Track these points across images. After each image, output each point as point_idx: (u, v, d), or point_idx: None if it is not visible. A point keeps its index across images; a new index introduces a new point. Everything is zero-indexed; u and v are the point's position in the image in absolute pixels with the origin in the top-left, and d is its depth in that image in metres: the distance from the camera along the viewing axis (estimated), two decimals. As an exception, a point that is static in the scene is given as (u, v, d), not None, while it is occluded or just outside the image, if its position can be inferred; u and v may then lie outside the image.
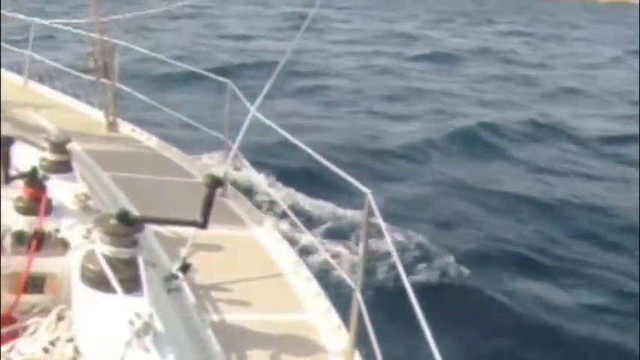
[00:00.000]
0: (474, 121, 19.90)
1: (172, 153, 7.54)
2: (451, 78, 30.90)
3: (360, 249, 4.07)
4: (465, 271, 9.41)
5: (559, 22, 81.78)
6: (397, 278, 3.77)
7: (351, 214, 9.82)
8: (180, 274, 3.68)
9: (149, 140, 8.00)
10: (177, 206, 4.97)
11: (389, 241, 3.84)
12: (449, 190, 13.89)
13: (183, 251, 3.77)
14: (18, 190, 3.82)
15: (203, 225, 3.43)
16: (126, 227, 3.00)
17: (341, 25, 52.20)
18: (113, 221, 2.99)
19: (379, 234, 3.94)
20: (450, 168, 15.84)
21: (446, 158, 16.68)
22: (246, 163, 5.92)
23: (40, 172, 3.76)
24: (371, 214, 3.97)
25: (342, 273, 4.72)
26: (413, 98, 24.87)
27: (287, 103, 20.34)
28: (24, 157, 4.05)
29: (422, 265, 9.13)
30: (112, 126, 8.38)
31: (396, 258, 3.79)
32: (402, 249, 8.78)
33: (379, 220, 3.84)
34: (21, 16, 11.87)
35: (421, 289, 4.11)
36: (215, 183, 3.42)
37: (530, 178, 15.66)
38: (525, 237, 11.60)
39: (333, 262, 4.84)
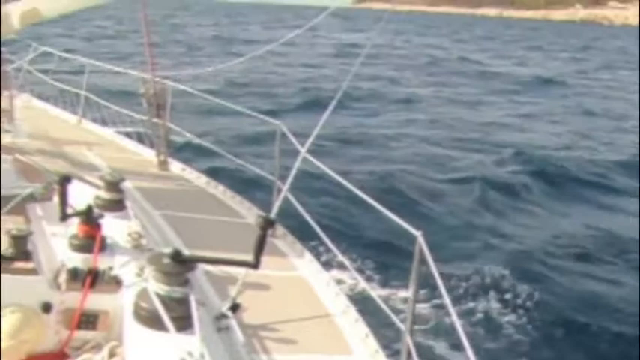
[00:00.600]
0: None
1: (221, 192, 7.61)
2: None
3: (410, 291, 4.04)
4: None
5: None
6: (447, 321, 3.73)
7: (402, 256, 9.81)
8: (229, 313, 3.70)
9: (199, 179, 8.09)
10: (225, 246, 5.00)
11: (440, 283, 3.81)
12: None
13: (233, 291, 3.79)
14: (73, 227, 3.90)
15: (255, 265, 3.44)
16: (179, 266, 3.04)
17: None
18: (166, 260, 3.02)
19: (430, 276, 3.90)
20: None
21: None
22: (295, 203, 5.93)
23: (95, 211, 3.83)
24: (422, 255, 3.94)
25: (391, 315, 4.68)
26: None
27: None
28: (79, 195, 4.14)
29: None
30: (163, 165, 8.50)
31: (447, 300, 3.75)
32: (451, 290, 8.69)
33: (430, 261, 3.81)
34: (81, 58, 12.20)
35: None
36: (267, 224, 3.45)
37: None
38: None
39: (382, 304, 4.79)
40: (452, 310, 3.62)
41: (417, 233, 4.03)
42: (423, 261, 3.96)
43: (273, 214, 5.12)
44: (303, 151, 5.61)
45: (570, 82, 44.43)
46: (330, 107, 5.35)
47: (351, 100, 26.95)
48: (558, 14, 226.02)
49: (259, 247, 3.42)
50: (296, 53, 49.00)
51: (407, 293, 4.33)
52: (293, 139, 6.31)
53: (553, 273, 11.39)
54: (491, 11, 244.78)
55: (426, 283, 4.10)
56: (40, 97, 12.61)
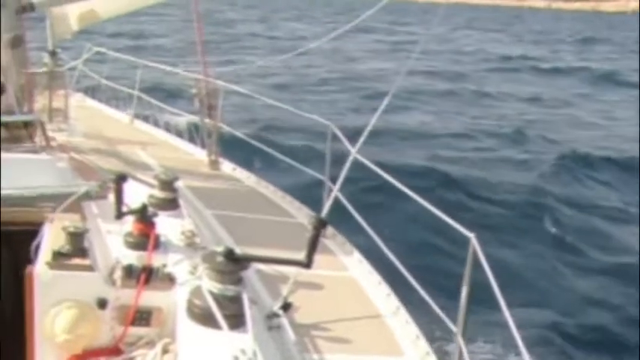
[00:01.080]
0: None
1: (271, 192, 7.64)
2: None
3: (463, 292, 4.00)
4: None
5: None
6: (502, 322, 3.68)
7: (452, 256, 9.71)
8: (281, 312, 3.70)
9: (249, 179, 8.14)
10: (276, 245, 5.01)
11: (493, 284, 3.76)
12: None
13: (285, 290, 3.80)
14: (127, 225, 3.96)
15: (307, 265, 3.44)
16: (232, 265, 3.05)
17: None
18: (220, 259, 3.04)
19: (483, 277, 3.85)
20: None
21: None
22: (346, 203, 5.91)
23: (149, 209, 3.88)
24: (475, 257, 3.90)
25: (442, 317, 4.64)
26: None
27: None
28: (132, 194, 4.19)
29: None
30: (214, 164, 8.57)
31: (500, 301, 3.70)
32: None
33: (484, 263, 3.77)
34: (133, 58, 12.38)
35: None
36: (320, 224, 3.44)
37: None
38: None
39: (434, 305, 4.75)
40: (507, 312, 3.56)
41: (470, 235, 3.99)
42: (476, 263, 3.92)
43: (323, 214, 5.12)
44: (354, 151, 5.60)
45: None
46: (382, 105, 5.30)
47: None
48: (608, 5, 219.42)
49: (312, 247, 3.42)
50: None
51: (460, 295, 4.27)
52: (344, 139, 6.30)
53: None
54: (540, 3, 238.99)
55: (479, 285, 4.03)
56: (94, 96, 12.87)
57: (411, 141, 21.34)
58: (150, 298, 3.52)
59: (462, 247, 4.24)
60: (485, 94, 34.08)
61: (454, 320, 4.22)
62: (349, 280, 5.36)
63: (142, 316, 3.53)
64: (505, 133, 24.05)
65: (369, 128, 5.35)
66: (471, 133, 23.60)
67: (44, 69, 8.54)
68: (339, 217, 5.98)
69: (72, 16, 9.61)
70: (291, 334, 3.76)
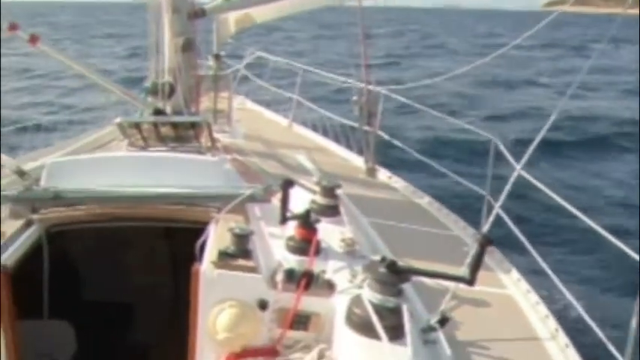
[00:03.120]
0: None
1: (428, 203, 7.54)
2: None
3: (633, 322, 3.77)
4: None
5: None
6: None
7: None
8: (437, 326, 3.64)
9: (406, 189, 8.08)
10: (432, 257, 4.94)
11: None
12: None
13: (442, 304, 3.73)
14: (289, 229, 4.03)
15: (470, 282, 3.36)
16: (394, 277, 3.04)
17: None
18: (382, 269, 3.03)
19: None
20: None
21: None
22: (507, 220, 5.73)
23: (312, 215, 3.93)
24: None
25: (606, 343, 4.39)
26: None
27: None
28: (294, 199, 4.26)
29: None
30: (371, 172, 8.59)
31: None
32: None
33: None
34: (294, 63, 12.67)
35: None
36: (486, 241, 3.35)
37: None
38: None
39: (597, 329, 4.50)
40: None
41: None
42: None
43: (484, 230, 4.99)
44: (518, 167, 5.42)
45: None
46: (551, 119, 5.09)
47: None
48: None
49: (476, 264, 3.33)
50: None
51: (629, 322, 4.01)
52: (508, 155, 6.13)
53: None
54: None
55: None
56: (254, 99, 13.27)
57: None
58: (309, 303, 3.56)
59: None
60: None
61: (621, 350, 3.98)
62: (507, 298, 5.20)
63: (301, 320, 3.57)
64: None
65: (534, 144, 5.16)
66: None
67: (209, 72, 8.93)
68: (497, 233, 5.82)
69: (231, 19, 9.99)
70: (447, 350, 3.68)
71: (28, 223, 4.45)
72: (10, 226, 4.32)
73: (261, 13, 9.65)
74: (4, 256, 3.88)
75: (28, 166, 5.13)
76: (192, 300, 3.65)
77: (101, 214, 4.66)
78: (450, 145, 19.59)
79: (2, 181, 4.91)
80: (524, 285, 5.41)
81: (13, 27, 5.33)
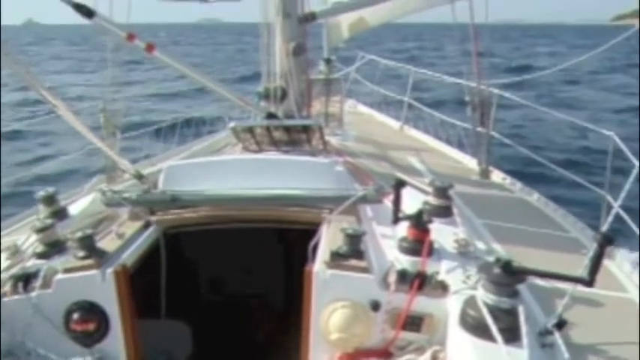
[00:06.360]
0: None
1: (543, 204, 7.34)
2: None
3: None
4: None
5: None
6: None
7: None
8: (555, 329, 3.53)
9: (521, 191, 7.90)
10: (548, 259, 4.81)
11: None
12: None
13: (560, 307, 3.61)
14: (400, 230, 4.01)
15: (589, 283, 3.24)
16: (509, 277, 2.97)
17: None
18: (497, 270, 2.97)
19: None
20: None
21: None
22: (627, 219, 5.50)
23: (424, 215, 3.90)
24: None
25: None
26: None
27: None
28: (406, 199, 4.24)
29: None
30: (485, 173, 8.45)
31: None
32: None
33: None
34: (405, 66, 12.63)
35: None
36: (606, 241, 3.22)
37: None
38: None
39: None
40: None
41: None
42: None
43: (603, 229, 4.80)
44: (637, 164, 5.20)
45: None
46: None
47: None
48: None
49: (595, 265, 3.21)
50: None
51: None
52: (627, 152, 5.89)
53: None
54: None
55: None
56: (365, 103, 13.31)
57: None
58: (422, 304, 3.53)
59: None
60: None
61: None
62: (628, 302, 4.97)
63: (414, 322, 3.54)
64: None
65: None
66: None
67: (320, 76, 9.02)
68: (616, 233, 5.59)
69: (344, 24, 10.04)
70: (565, 354, 3.56)
71: (147, 225, 4.61)
72: (130, 228, 4.51)
73: (374, 17, 9.67)
74: (124, 256, 4.05)
75: (146, 171, 5.34)
76: (305, 300, 3.69)
77: (216, 216, 4.77)
78: (564, 145, 19.01)
79: (123, 185, 5.13)
80: None
81: (130, 37, 5.54)
